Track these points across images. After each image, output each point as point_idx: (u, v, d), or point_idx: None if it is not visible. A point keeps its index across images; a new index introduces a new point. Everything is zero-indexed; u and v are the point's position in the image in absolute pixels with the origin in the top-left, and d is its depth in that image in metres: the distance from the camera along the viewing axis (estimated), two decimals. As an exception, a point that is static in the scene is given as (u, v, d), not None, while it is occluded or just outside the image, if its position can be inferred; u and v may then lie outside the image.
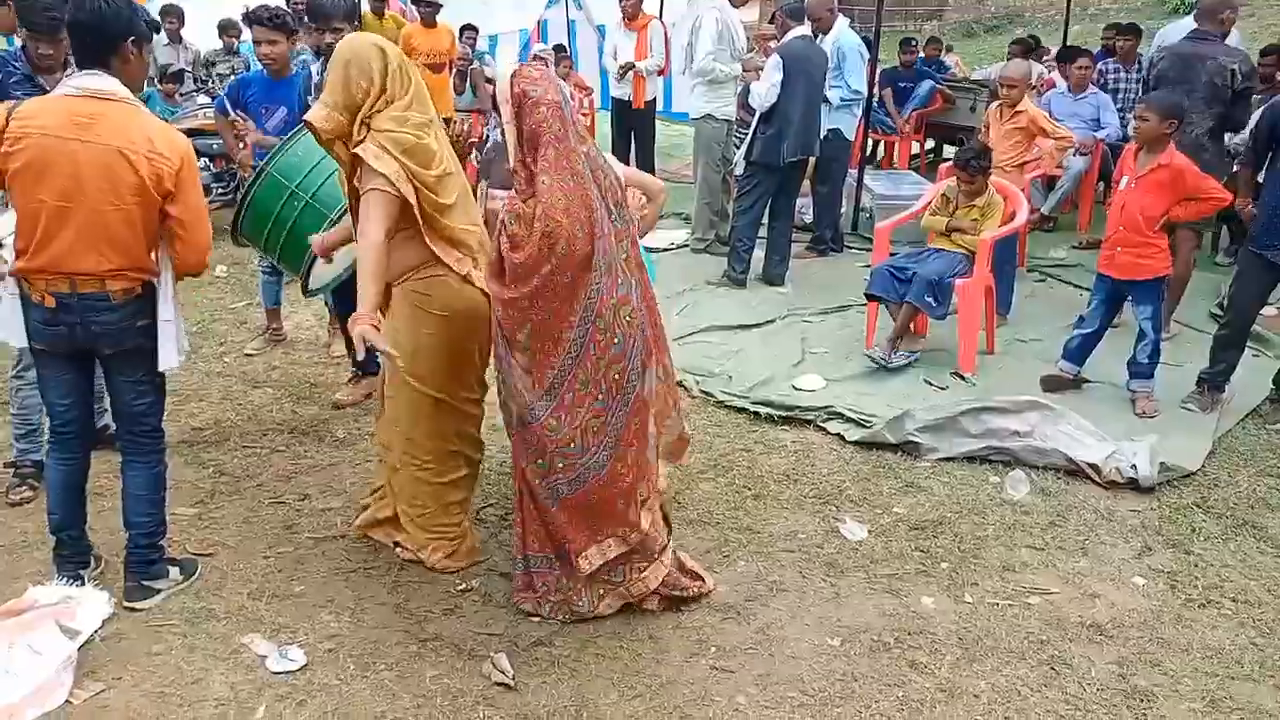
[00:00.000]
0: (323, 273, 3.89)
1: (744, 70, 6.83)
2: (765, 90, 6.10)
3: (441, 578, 3.37)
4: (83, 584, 3.11)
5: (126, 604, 3.13)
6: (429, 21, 8.23)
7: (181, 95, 8.04)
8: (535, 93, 2.81)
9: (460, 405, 3.38)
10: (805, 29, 6.38)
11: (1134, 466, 3.98)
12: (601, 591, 3.12)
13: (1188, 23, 6.61)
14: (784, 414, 4.65)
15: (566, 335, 2.87)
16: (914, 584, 3.40)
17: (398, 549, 3.47)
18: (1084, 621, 3.20)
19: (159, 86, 8.06)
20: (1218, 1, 5.57)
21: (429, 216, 3.10)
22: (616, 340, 2.91)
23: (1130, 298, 4.69)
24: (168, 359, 3.06)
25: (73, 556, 3.18)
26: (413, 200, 3.02)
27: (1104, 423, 4.34)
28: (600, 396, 2.93)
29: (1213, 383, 4.66)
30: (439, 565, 3.40)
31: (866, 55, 7.12)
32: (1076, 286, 6.44)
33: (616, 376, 2.93)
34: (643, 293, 3.08)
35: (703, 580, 3.28)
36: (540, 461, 2.99)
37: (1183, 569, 3.50)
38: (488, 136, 8.29)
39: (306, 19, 4.64)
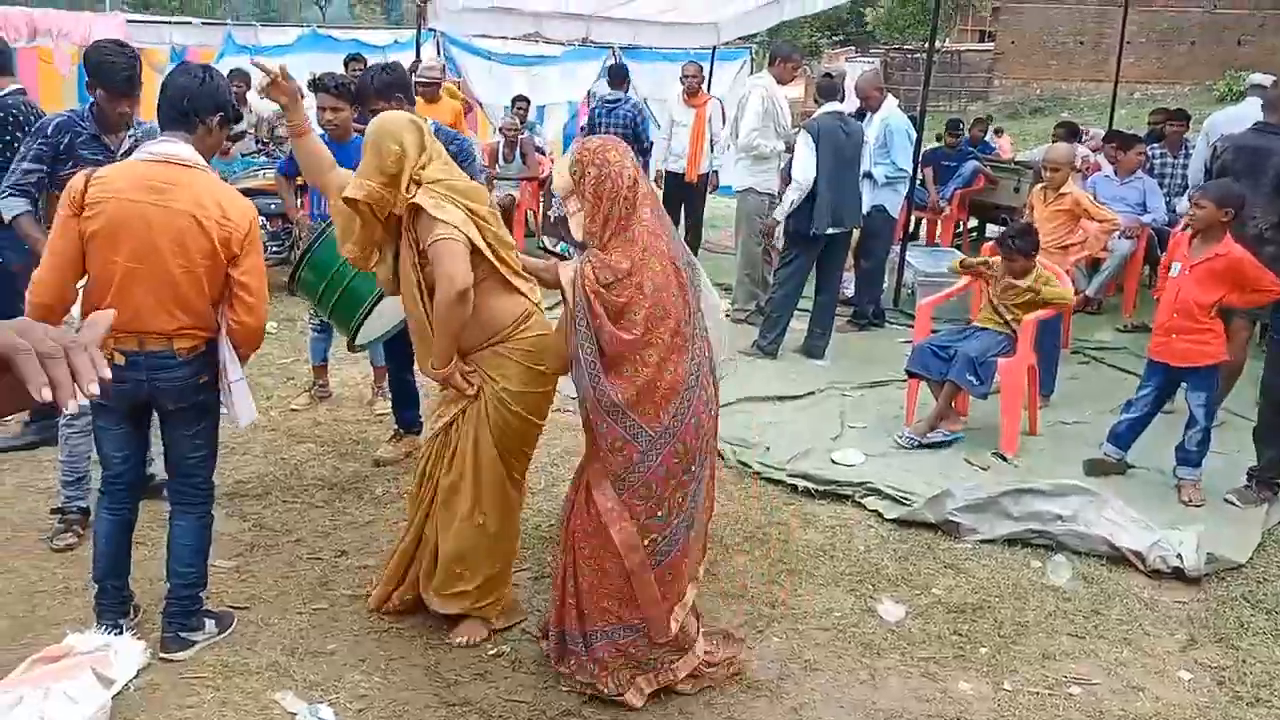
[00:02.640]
0: (372, 329, 3.97)
1: (785, 149, 6.95)
2: (801, 169, 6.19)
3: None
4: (121, 633, 3.14)
5: (162, 654, 3.16)
6: (430, 97, 8.60)
7: (243, 155, 8.30)
8: (603, 169, 2.87)
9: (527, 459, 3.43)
10: (837, 105, 6.50)
11: (1179, 556, 3.90)
12: (630, 675, 3.05)
13: (1239, 110, 6.64)
14: (821, 488, 4.62)
15: (672, 399, 2.86)
16: (952, 669, 3.34)
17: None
18: (1126, 714, 3.11)
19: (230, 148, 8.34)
20: None
21: (499, 254, 3.13)
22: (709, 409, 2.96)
23: (1185, 384, 4.63)
24: (246, 414, 3.17)
25: (113, 605, 3.22)
26: (480, 243, 3.05)
27: (1148, 510, 4.26)
28: (693, 467, 2.94)
29: (1263, 479, 4.54)
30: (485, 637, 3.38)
31: (913, 135, 7.21)
32: (1121, 370, 6.38)
33: (704, 445, 2.96)
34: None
35: (732, 660, 3.20)
36: (660, 514, 2.93)
37: (1230, 664, 3.40)
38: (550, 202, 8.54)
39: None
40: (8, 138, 4.22)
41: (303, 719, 2.92)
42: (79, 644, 3.04)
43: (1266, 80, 7.08)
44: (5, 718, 2.72)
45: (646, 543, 2.92)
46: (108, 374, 1.02)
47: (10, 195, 3.79)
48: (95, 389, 1.00)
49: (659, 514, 2.92)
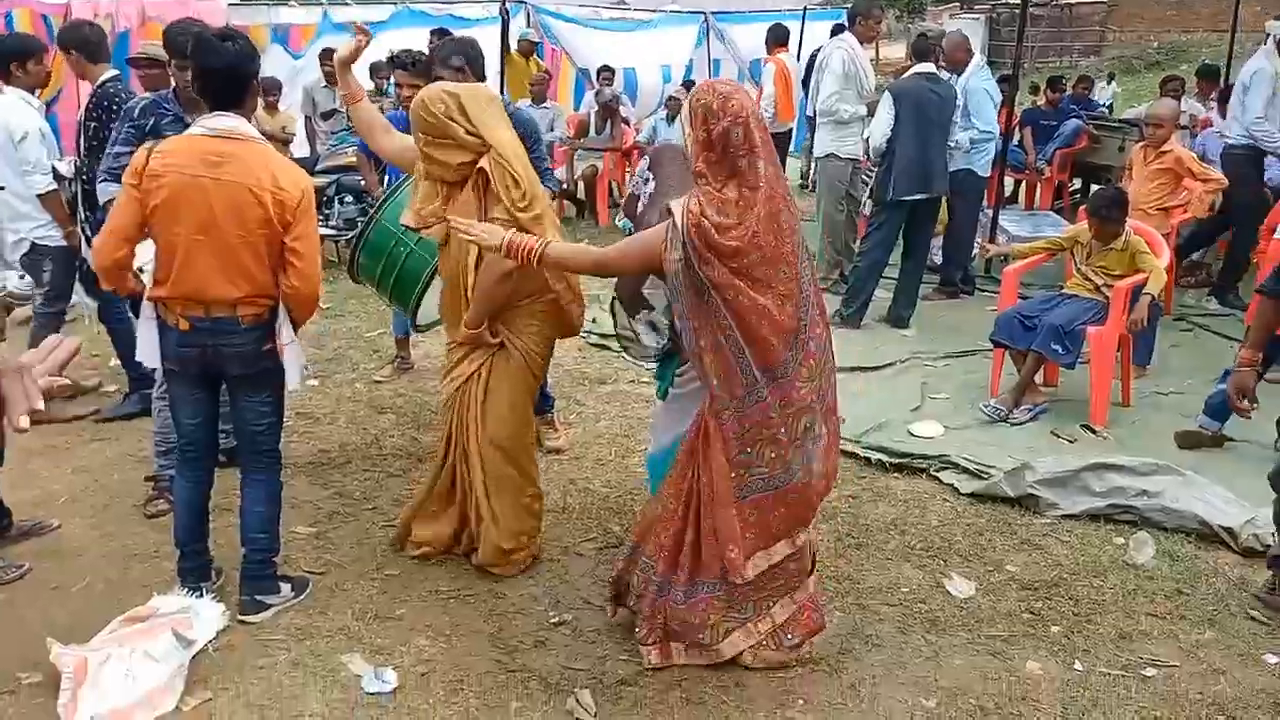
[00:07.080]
0: (430, 308, 4.04)
1: (868, 113, 6.76)
2: (878, 129, 6.04)
3: (535, 608, 3.42)
4: (202, 595, 3.30)
5: (240, 617, 3.30)
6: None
7: (333, 133, 8.52)
8: (724, 102, 2.81)
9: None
10: (927, 66, 6.27)
11: (1275, 534, 3.69)
12: (730, 626, 3.04)
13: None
14: (896, 461, 4.53)
15: (780, 343, 2.84)
16: (1020, 647, 3.25)
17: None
18: (1204, 699, 2.98)
19: (321, 127, 8.65)
20: None
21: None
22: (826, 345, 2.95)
23: (1288, 350, 4.36)
24: (292, 379, 3.25)
25: (194, 569, 3.37)
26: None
27: (1243, 484, 4.05)
28: (814, 398, 2.90)
29: None
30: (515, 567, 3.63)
31: (996, 94, 6.92)
32: (1227, 338, 6.06)
33: (822, 384, 2.93)
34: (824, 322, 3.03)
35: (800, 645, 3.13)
36: (747, 450, 2.89)
37: (1324, 650, 3.22)
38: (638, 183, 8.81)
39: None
40: (109, 122, 4.41)
41: (368, 681, 3.02)
42: (163, 606, 3.20)
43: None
44: (95, 673, 2.90)
45: (734, 475, 2.91)
46: (39, 405, 1.09)
47: (105, 180, 3.97)
48: (24, 423, 1.08)
49: (746, 451, 2.89)
